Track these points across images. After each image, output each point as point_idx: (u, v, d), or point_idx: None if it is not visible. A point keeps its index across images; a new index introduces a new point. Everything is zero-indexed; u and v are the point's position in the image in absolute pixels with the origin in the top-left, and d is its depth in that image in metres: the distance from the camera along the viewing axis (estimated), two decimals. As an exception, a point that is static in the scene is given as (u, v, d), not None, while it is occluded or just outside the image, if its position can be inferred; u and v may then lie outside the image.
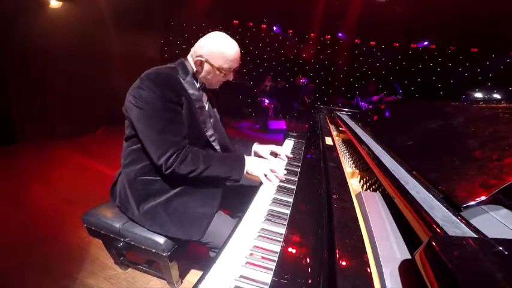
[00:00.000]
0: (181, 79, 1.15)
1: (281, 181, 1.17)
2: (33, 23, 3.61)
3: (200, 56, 1.16)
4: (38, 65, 3.82)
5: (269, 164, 1.21)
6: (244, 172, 1.19)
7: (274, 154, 1.51)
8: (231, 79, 1.28)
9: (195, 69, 1.20)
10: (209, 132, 1.25)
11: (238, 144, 1.55)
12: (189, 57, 1.23)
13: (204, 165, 1.10)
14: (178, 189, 1.18)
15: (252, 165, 1.20)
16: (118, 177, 1.28)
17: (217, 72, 1.18)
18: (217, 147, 1.30)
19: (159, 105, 1.05)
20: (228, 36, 1.19)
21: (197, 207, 1.17)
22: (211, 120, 1.30)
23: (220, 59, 1.16)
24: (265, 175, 1.16)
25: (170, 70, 1.15)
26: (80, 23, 4.14)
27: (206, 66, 1.17)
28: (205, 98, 1.31)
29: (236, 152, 1.51)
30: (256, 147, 1.54)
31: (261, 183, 1.15)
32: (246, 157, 1.22)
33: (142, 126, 1.07)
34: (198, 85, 1.22)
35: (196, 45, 1.20)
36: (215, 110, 1.40)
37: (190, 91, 1.16)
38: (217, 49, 1.15)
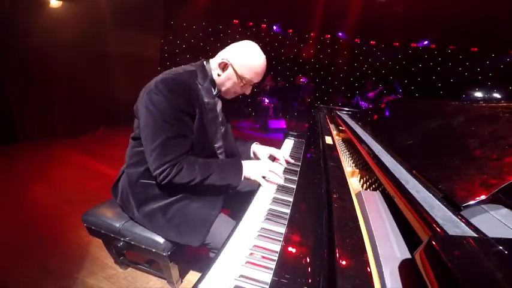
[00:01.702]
0: (199, 85, 1.13)
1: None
2: (33, 22, 3.61)
3: (227, 58, 1.13)
4: (38, 64, 3.81)
5: (267, 166, 1.18)
6: (242, 178, 1.16)
7: (273, 158, 1.47)
8: (247, 93, 1.25)
9: (216, 71, 1.17)
10: (218, 144, 1.23)
11: (238, 143, 1.52)
12: (212, 60, 1.20)
13: (201, 176, 1.08)
14: (179, 196, 1.16)
15: (250, 170, 1.17)
16: (121, 176, 1.28)
17: (238, 80, 1.15)
18: (224, 158, 1.28)
19: (169, 115, 1.02)
20: (259, 49, 1.17)
21: (196, 215, 1.15)
22: (222, 130, 1.28)
23: (245, 67, 1.13)
24: (264, 177, 1.14)
25: (189, 75, 1.12)
26: (80, 22, 4.13)
27: (229, 70, 1.14)
28: (219, 106, 1.27)
29: (238, 148, 1.48)
30: (255, 147, 1.51)
31: (259, 186, 1.12)
32: (243, 162, 1.19)
33: (147, 132, 1.05)
34: (214, 92, 1.20)
35: (226, 47, 1.17)
36: (227, 118, 1.37)
37: (206, 99, 1.14)
38: (245, 57, 1.13)
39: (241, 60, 1.12)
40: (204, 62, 1.20)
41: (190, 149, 1.11)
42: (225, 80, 1.17)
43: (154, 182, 1.15)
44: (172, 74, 1.08)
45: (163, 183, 1.05)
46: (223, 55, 1.15)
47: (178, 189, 1.15)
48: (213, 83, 1.19)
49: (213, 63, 1.19)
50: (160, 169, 1.03)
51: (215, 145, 1.22)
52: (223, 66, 1.14)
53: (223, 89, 1.20)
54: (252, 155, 1.51)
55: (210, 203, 1.19)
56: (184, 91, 1.06)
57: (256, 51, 1.15)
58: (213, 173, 1.11)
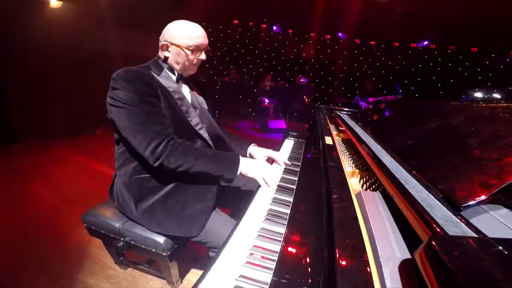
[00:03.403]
0: (154, 74, 1.16)
1: (281, 181, 1.17)
2: (33, 22, 3.61)
3: (164, 40, 1.18)
4: (38, 64, 3.82)
5: (266, 169, 1.17)
6: (238, 173, 1.16)
7: (271, 160, 1.44)
8: (204, 58, 1.26)
9: (163, 56, 1.21)
10: (194, 121, 1.23)
11: (234, 143, 1.51)
12: (159, 53, 1.24)
13: (195, 160, 1.09)
14: (174, 184, 1.17)
15: (247, 167, 1.16)
16: (114, 180, 1.28)
17: (186, 51, 1.18)
18: (205, 135, 1.27)
19: (136, 101, 1.06)
20: (188, 21, 1.21)
21: (194, 203, 1.17)
22: (196, 111, 1.29)
23: (183, 37, 1.16)
24: (263, 178, 1.13)
25: (141, 68, 1.16)
26: (79, 22, 4.13)
27: (172, 49, 1.19)
28: (186, 89, 1.32)
29: (233, 148, 1.47)
30: (252, 149, 1.49)
31: (258, 187, 1.11)
32: (241, 158, 1.18)
33: (123, 123, 1.07)
34: (174, 77, 1.24)
35: (160, 36, 1.21)
36: (200, 100, 1.39)
37: (166, 83, 1.17)
38: (178, 29, 1.17)
39: (177, 34, 1.17)
40: (155, 58, 1.25)
41: (170, 124, 1.13)
42: (175, 57, 1.21)
43: (147, 175, 1.17)
44: (123, 68, 1.12)
45: (156, 164, 1.05)
46: (161, 40, 1.20)
47: (173, 177, 1.16)
48: (171, 71, 1.23)
49: (160, 54, 1.23)
50: (150, 147, 1.04)
51: (191, 122, 1.22)
52: (166, 48, 1.19)
53: (178, 67, 1.24)
54: (248, 156, 1.48)
55: (206, 189, 1.20)
56: (139, 77, 1.10)
57: (186, 22, 1.20)
58: (207, 161, 1.12)
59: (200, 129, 1.25)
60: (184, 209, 1.15)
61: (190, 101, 1.28)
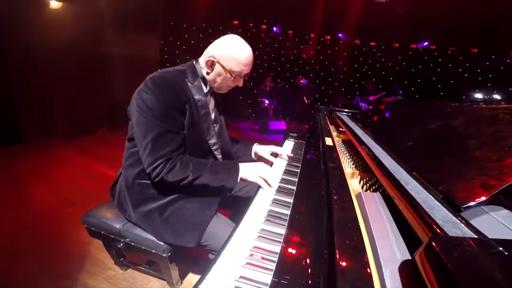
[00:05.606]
0: (188, 83, 1.14)
1: (281, 182, 1.17)
2: (33, 23, 3.61)
3: (212, 56, 1.14)
4: (38, 65, 3.82)
5: (264, 169, 1.17)
6: (238, 180, 1.15)
7: (275, 155, 1.50)
8: (240, 85, 1.25)
9: (205, 70, 1.18)
10: (212, 140, 1.23)
11: (239, 145, 1.54)
12: (201, 59, 1.21)
13: (194, 175, 1.08)
14: (175, 195, 1.17)
15: (246, 172, 1.16)
16: (119, 177, 1.28)
17: (228, 75, 1.15)
18: (219, 156, 1.28)
19: (159, 112, 1.04)
20: (243, 41, 1.17)
21: (192, 215, 1.16)
22: (216, 127, 1.29)
23: (231, 61, 1.13)
24: (263, 178, 1.13)
25: (177, 74, 1.14)
26: (80, 23, 4.14)
27: (217, 67, 1.15)
28: (212, 103, 1.29)
29: (236, 153, 1.49)
30: (257, 147, 1.53)
31: (258, 188, 1.11)
32: (240, 164, 1.18)
33: (138, 131, 1.06)
34: (206, 90, 1.20)
35: (210, 45, 1.18)
36: (221, 115, 1.37)
37: (197, 96, 1.15)
38: (230, 51, 1.13)
39: (228, 56, 1.13)
40: (194, 62, 1.21)
41: (182, 145, 1.12)
42: (215, 76, 1.18)
43: (150, 181, 1.16)
44: (160, 72, 1.10)
45: (156, 180, 1.06)
46: (209, 53, 1.16)
47: (175, 188, 1.15)
48: (204, 80, 1.20)
49: (202, 62, 1.20)
50: (153, 165, 1.04)
51: (209, 142, 1.22)
52: (211, 64, 1.15)
53: (215, 85, 1.21)
54: (253, 155, 1.52)
55: (207, 204, 1.19)
56: (172, 88, 1.08)
57: (240, 44, 1.16)
58: (207, 173, 1.11)
59: (216, 149, 1.26)
60: (181, 220, 1.15)
61: (213, 117, 1.28)
